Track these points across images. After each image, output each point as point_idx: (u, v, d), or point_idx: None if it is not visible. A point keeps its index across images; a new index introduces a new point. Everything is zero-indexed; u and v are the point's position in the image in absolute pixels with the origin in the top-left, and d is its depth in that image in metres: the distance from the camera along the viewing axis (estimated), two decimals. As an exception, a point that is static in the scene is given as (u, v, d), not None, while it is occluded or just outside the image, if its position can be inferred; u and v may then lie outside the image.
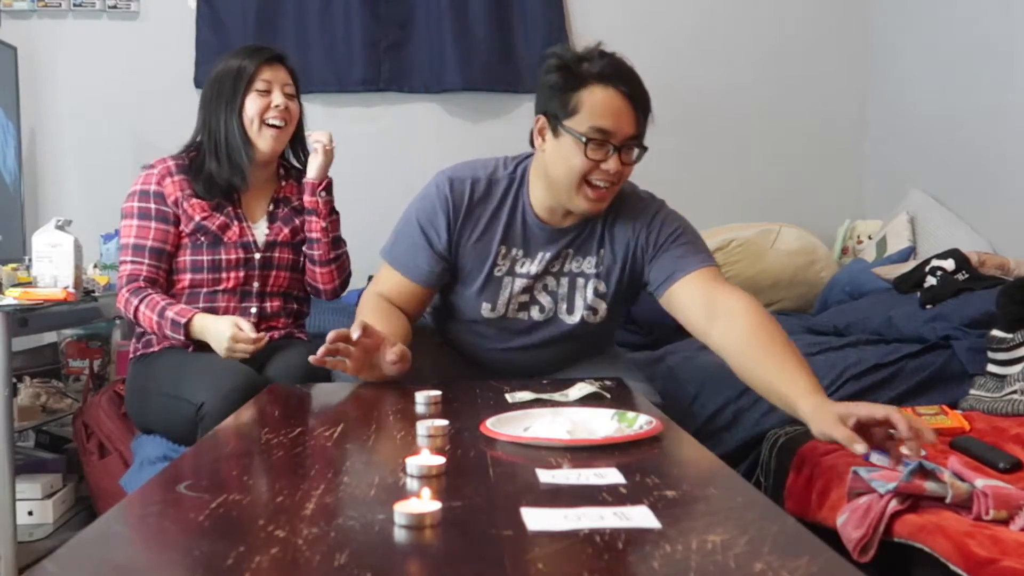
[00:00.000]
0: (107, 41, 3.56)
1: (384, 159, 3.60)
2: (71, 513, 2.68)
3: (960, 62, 3.18)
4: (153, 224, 2.13)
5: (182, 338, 2.05)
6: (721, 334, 1.77)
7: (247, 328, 2.03)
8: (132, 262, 2.13)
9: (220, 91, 2.15)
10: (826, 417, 1.50)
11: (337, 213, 2.25)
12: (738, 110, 3.73)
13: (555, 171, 1.81)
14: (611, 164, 1.77)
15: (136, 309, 2.09)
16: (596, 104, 1.76)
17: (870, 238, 3.37)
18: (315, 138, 2.21)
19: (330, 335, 1.66)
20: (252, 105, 2.13)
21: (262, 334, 2.06)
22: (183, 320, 2.05)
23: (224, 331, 2.02)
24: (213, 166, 2.14)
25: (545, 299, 1.93)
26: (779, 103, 3.75)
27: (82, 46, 3.54)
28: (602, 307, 1.95)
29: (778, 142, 3.75)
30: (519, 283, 1.91)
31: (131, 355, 2.22)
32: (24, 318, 2.27)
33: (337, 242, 2.24)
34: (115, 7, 3.54)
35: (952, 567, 1.34)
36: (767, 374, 1.67)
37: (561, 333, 1.95)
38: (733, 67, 3.72)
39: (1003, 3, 2.96)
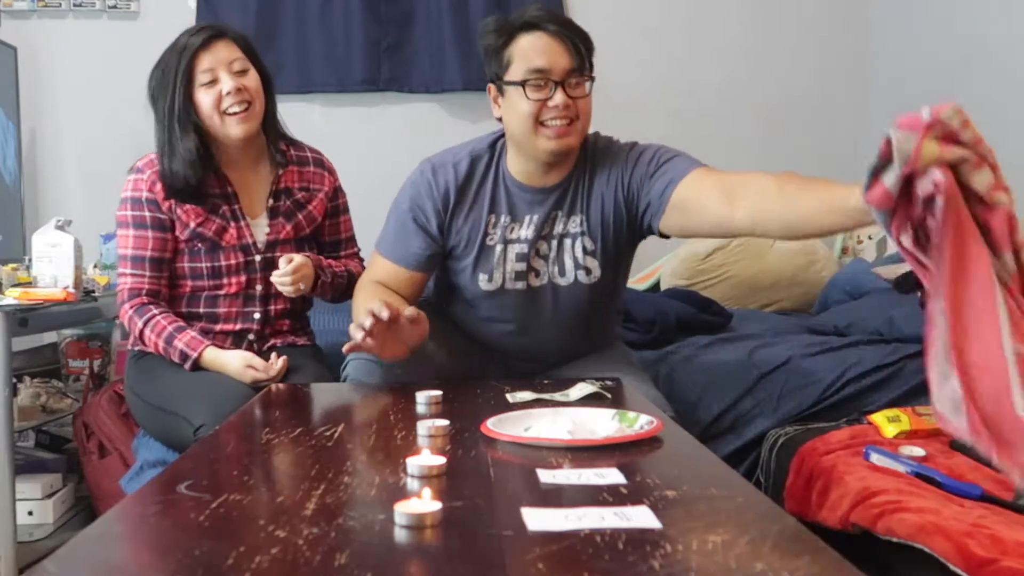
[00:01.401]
0: (107, 41, 3.56)
1: (384, 159, 3.60)
2: (71, 513, 2.68)
3: (960, 62, 3.18)
4: (150, 233, 2.02)
5: (193, 361, 1.98)
6: (748, 205, 1.62)
7: (260, 365, 1.97)
8: (132, 275, 2.03)
9: (163, 79, 1.98)
10: None
11: (337, 276, 2.10)
12: (738, 109, 3.73)
13: (512, 126, 1.85)
14: (557, 99, 1.79)
15: (141, 332, 2.02)
16: (525, 50, 1.82)
17: (870, 238, 3.37)
18: (276, 281, 2.00)
19: (365, 324, 1.65)
20: (204, 101, 1.96)
21: (279, 365, 1.98)
22: (193, 355, 1.98)
23: (241, 373, 1.96)
24: (164, 164, 2.00)
25: (540, 264, 1.93)
26: (779, 103, 3.74)
27: (82, 46, 3.54)
28: (594, 265, 1.92)
29: (778, 142, 3.75)
30: (513, 251, 1.91)
31: (129, 346, 2.16)
32: (24, 318, 2.27)
33: (340, 289, 2.11)
34: (115, 7, 3.54)
35: (952, 567, 1.34)
36: (814, 196, 1.48)
37: (559, 299, 1.92)
38: (733, 66, 3.72)
39: (1003, 3, 2.96)
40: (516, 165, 1.91)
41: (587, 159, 1.91)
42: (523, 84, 1.80)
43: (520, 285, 1.92)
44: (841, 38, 3.77)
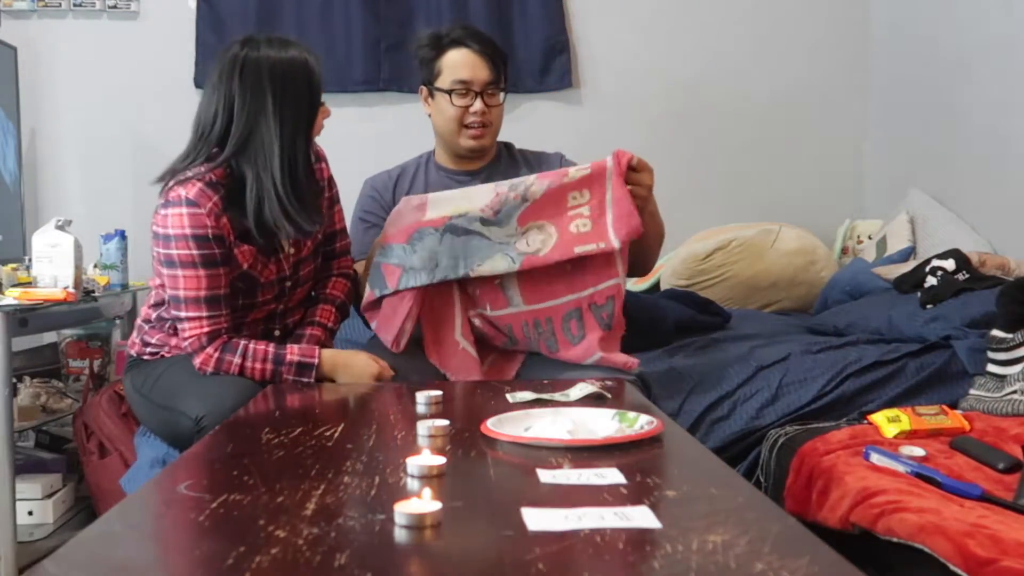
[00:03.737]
0: (107, 41, 3.56)
1: (384, 159, 3.59)
2: (71, 513, 2.68)
3: (960, 62, 3.18)
4: (221, 271, 1.87)
5: (312, 381, 1.89)
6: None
7: (383, 363, 1.93)
8: (210, 318, 1.87)
9: (280, 99, 1.84)
10: None
11: (335, 325, 2.10)
12: (738, 110, 3.73)
13: (440, 125, 2.24)
14: (477, 106, 2.18)
15: (240, 367, 1.87)
16: (453, 63, 2.19)
17: (870, 238, 3.37)
18: None
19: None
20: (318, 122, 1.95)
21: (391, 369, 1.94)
22: (314, 362, 1.90)
23: (367, 373, 1.92)
24: (273, 210, 1.84)
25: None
26: (779, 103, 3.74)
27: (82, 46, 3.54)
28: None
29: (778, 142, 3.75)
30: None
31: (131, 353, 2.09)
32: (24, 318, 2.27)
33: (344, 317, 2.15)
34: (115, 7, 3.54)
35: (952, 567, 1.34)
36: None
37: None
38: (733, 66, 3.72)
39: (1003, 3, 2.96)
40: (443, 157, 2.30)
41: (511, 152, 2.32)
42: (450, 92, 2.18)
43: None
44: (841, 38, 3.77)
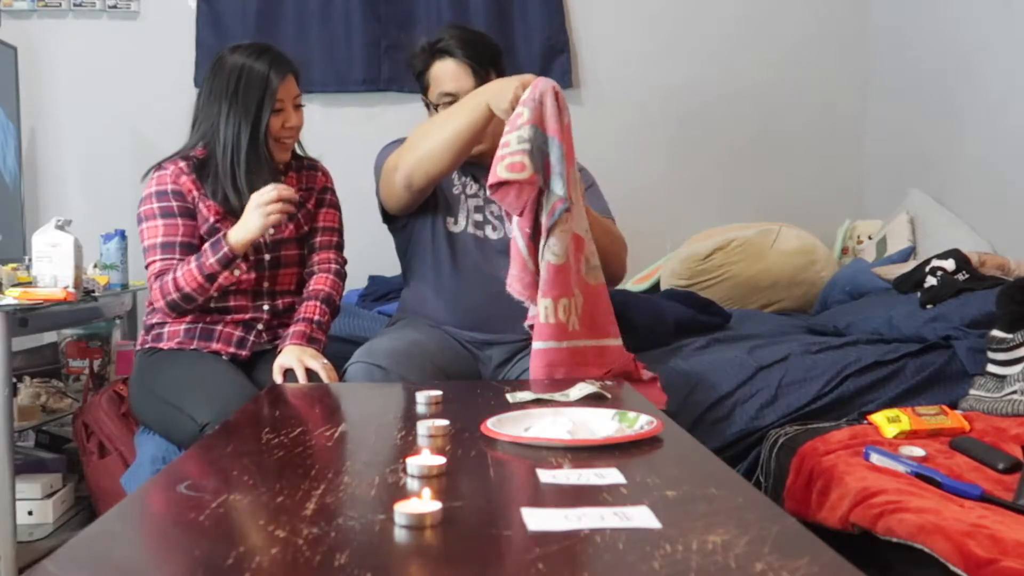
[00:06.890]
0: (107, 41, 3.56)
1: (384, 159, 3.60)
2: (71, 513, 2.68)
3: (960, 62, 3.18)
4: (180, 221, 2.10)
5: (229, 253, 2.02)
6: None
7: (269, 190, 2.02)
8: (162, 259, 2.08)
9: (236, 97, 2.10)
10: None
11: (327, 324, 2.18)
12: (738, 110, 3.73)
13: None
14: None
15: (174, 280, 2.04)
16: (437, 76, 2.19)
17: (870, 238, 3.37)
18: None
19: None
20: (272, 123, 2.12)
21: (289, 193, 2.05)
22: (220, 235, 2.04)
23: (262, 196, 2.01)
24: (225, 183, 2.11)
25: (496, 222, 2.24)
26: (779, 103, 3.74)
27: (82, 46, 3.54)
28: None
29: (778, 142, 3.75)
30: (472, 202, 2.25)
31: (138, 346, 2.20)
32: (24, 318, 2.27)
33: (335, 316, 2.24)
34: (115, 7, 3.54)
35: (952, 567, 1.34)
36: None
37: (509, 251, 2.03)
38: (733, 67, 3.72)
39: (1003, 3, 2.96)
40: None
41: None
42: (436, 106, 2.18)
43: (479, 233, 2.24)
44: (841, 38, 3.77)
